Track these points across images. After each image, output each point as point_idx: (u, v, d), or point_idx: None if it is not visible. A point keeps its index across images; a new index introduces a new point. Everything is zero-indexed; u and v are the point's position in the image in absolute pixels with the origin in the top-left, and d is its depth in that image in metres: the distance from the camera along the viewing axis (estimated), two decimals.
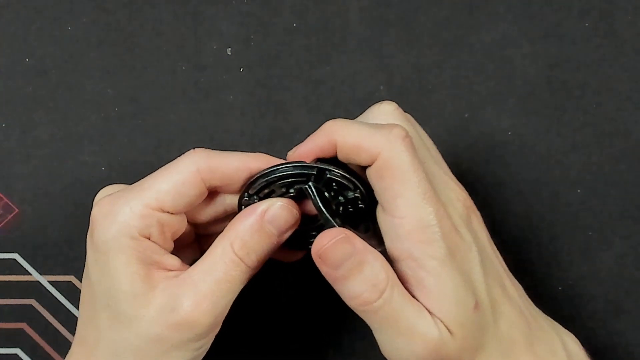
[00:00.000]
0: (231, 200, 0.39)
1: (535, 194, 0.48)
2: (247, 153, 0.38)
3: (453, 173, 0.41)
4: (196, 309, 0.36)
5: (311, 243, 0.36)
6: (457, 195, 0.38)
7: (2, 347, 0.47)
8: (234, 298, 0.37)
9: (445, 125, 0.49)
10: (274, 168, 0.37)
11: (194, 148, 0.38)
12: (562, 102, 0.49)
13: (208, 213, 0.40)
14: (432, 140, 0.41)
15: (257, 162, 0.38)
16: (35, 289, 0.48)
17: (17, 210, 0.48)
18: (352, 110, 0.48)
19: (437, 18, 0.49)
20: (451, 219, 0.36)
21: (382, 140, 0.36)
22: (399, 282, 0.35)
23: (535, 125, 0.49)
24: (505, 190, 0.48)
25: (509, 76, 0.49)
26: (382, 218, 0.36)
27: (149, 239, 0.37)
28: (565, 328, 0.41)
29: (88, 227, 0.38)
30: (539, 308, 0.41)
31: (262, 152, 0.38)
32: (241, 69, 0.49)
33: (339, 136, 0.37)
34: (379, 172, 0.36)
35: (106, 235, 0.36)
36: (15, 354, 0.47)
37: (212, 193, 0.39)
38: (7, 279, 0.48)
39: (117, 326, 0.37)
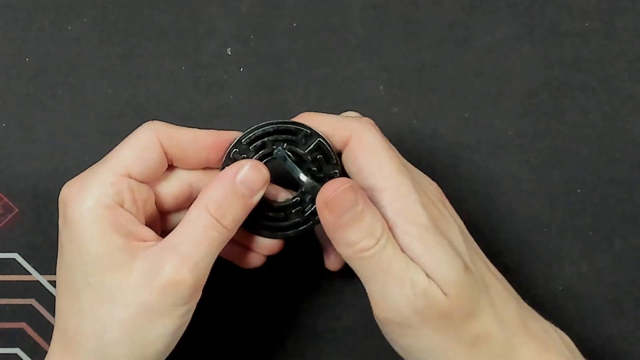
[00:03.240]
0: (189, 178, 0.41)
1: (535, 194, 0.48)
2: (202, 130, 0.40)
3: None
4: (179, 270, 0.36)
5: (266, 227, 0.40)
6: (429, 181, 0.41)
7: (2, 347, 0.47)
8: (214, 260, 0.38)
9: (445, 125, 0.49)
10: (271, 121, 0.40)
11: None
12: (562, 102, 0.49)
13: (170, 190, 0.40)
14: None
15: (210, 136, 0.40)
16: (35, 289, 0.48)
17: (17, 210, 0.48)
18: (352, 110, 0.48)
19: (437, 18, 0.49)
20: (427, 195, 0.38)
21: (354, 123, 0.39)
22: (391, 235, 0.37)
23: (535, 125, 0.49)
24: (505, 190, 0.48)
25: (509, 76, 0.49)
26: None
27: (122, 206, 0.37)
28: (566, 328, 0.41)
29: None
30: (539, 308, 0.41)
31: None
32: (241, 69, 0.49)
33: (314, 122, 0.40)
34: (354, 151, 0.39)
35: (80, 208, 0.37)
36: (15, 354, 0.47)
37: (170, 169, 0.40)
38: (7, 279, 0.48)
39: (100, 303, 0.37)
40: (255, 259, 0.42)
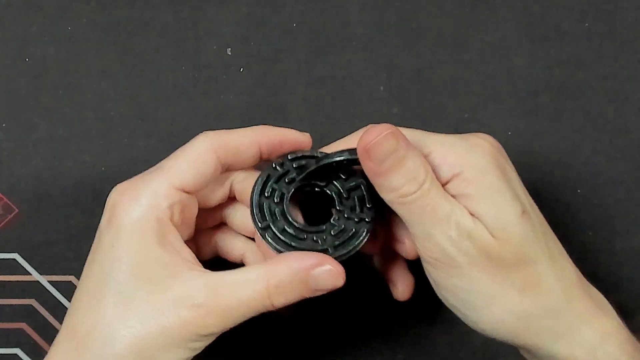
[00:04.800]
0: (231, 178, 0.40)
1: (535, 194, 0.48)
2: (253, 128, 0.40)
3: None
4: (208, 316, 0.36)
5: (282, 242, 0.39)
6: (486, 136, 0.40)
7: (2, 347, 0.47)
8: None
9: (445, 125, 0.49)
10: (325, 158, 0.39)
11: None
12: (562, 102, 0.49)
13: (214, 194, 0.40)
14: None
15: (265, 137, 0.39)
16: (35, 289, 0.48)
17: (17, 210, 0.48)
18: (352, 110, 0.49)
19: (437, 18, 0.49)
20: (486, 144, 0.39)
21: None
22: (436, 179, 0.37)
23: (535, 125, 0.49)
24: None
25: (509, 76, 0.49)
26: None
27: (171, 220, 0.37)
28: None
29: (100, 218, 0.38)
30: None
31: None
32: (241, 69, 0.49)
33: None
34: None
35: (130, 216, 0.37)
36: (15, 354, 0.47)
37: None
38: (7, 279, 0.48)
39: (123, 313, 0.36)
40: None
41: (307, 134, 0.41)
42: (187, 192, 0.38)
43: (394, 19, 0.49)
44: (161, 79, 0.49)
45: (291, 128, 0.41)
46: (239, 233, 0.43)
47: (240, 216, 0.42)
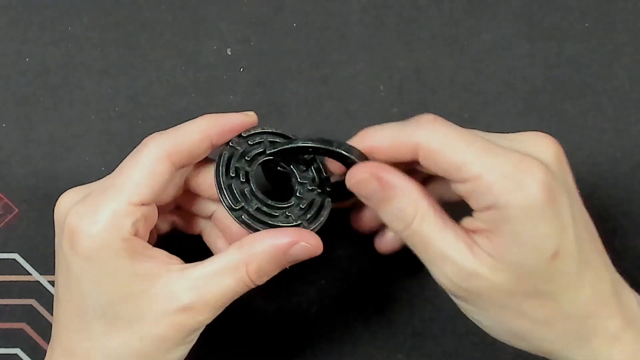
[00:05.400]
0: (185, 173, 0.40)
1: None
2: (199, 122, 0.39)
3: None
4: (198, 313, 0.36)
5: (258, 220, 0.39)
6: (540, 142, 0.38)
7: (2, 347, 0.47)
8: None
9: None
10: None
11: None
12: (562, 102, 0.49)
13: (170, 193, 0.40)
14: None
15: (214, 127, 0.39)
16: (35, 289, 0.48)
17: (17, 210, 0.48)
18: (352, 110, 0.48)
19: (437, 18, 0.49)
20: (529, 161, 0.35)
21: (415, 132, 0.36)
22: (432, 213, 0.36)
23: (535, 125, 0.49)
24: None
25: (509, 76, 0.49)
26: (459, 187, 0.36)
27: (136, 235, 0.37)
28: None
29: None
30: None
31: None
32: (241, 69, 0.49)
33: (371, 140, 0.38)
34: (429, 161, 0.36)
35: (95, 242, 0.36)
36: (15, 354, 0.47)
37: None
38: (7, 279, 0.48)
39: (115, 333, 0.36)
40: (196, 227, 0.43)
41: (252, 113, 0.40)
42: (146, 205, 0.37)
43: (394, 19, 0.49)
44: (161, 79, 0.49)
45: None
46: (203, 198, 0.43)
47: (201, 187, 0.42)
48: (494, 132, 0.42)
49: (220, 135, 0.39)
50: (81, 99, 0.49)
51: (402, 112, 0.49)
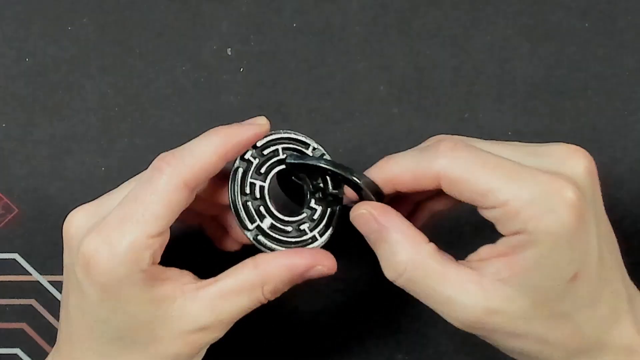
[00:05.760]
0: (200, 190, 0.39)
1: None
2: (211, 140, 0.37)
3: None
4: (214, 332, 0.37)
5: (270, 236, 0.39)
6: (569, 159, 0.36)
7: (2, 347, 0.47)
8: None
9: (445, 125, 0.49)
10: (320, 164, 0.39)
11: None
12: (562, 102, 0.49)
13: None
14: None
15: (227, 145, 0.37)
16: (35, 289, 0.48)
17: (17, 210, 0.48)
18: (352, 110, 0.48)
19: (437, 18, 0.49)
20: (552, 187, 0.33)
21: (435, 161, 0.35)
22: (428, 259, 0.35)
23: (535, 125, 0.49)
24: None
25: (509, 76, 0.49)
26: (485, 213, 0.35)
27: (153, 263, 0.36)
28: None
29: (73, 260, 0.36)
30: None
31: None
32: (241, 69, 0.49)
33: (392, 172, 0.37)
34: (453, 191, 0.35)
35: (113, 275, 0.35)
36: (15, 354, 0.47)
37: None
38: (7, 279, 0.48)
39: (130, 355, 0.37)
40: (232, 244, 0.43)
41: (264, 121, 0.39)
42: (165, 233, 0.36)
43: (394, 19, 0.49)
44: (161, 78, 0.49)
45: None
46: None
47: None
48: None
49: (234, 151, 0.38)
50: (81, 99, 0.49)
51: (402, 112, 0.49)
